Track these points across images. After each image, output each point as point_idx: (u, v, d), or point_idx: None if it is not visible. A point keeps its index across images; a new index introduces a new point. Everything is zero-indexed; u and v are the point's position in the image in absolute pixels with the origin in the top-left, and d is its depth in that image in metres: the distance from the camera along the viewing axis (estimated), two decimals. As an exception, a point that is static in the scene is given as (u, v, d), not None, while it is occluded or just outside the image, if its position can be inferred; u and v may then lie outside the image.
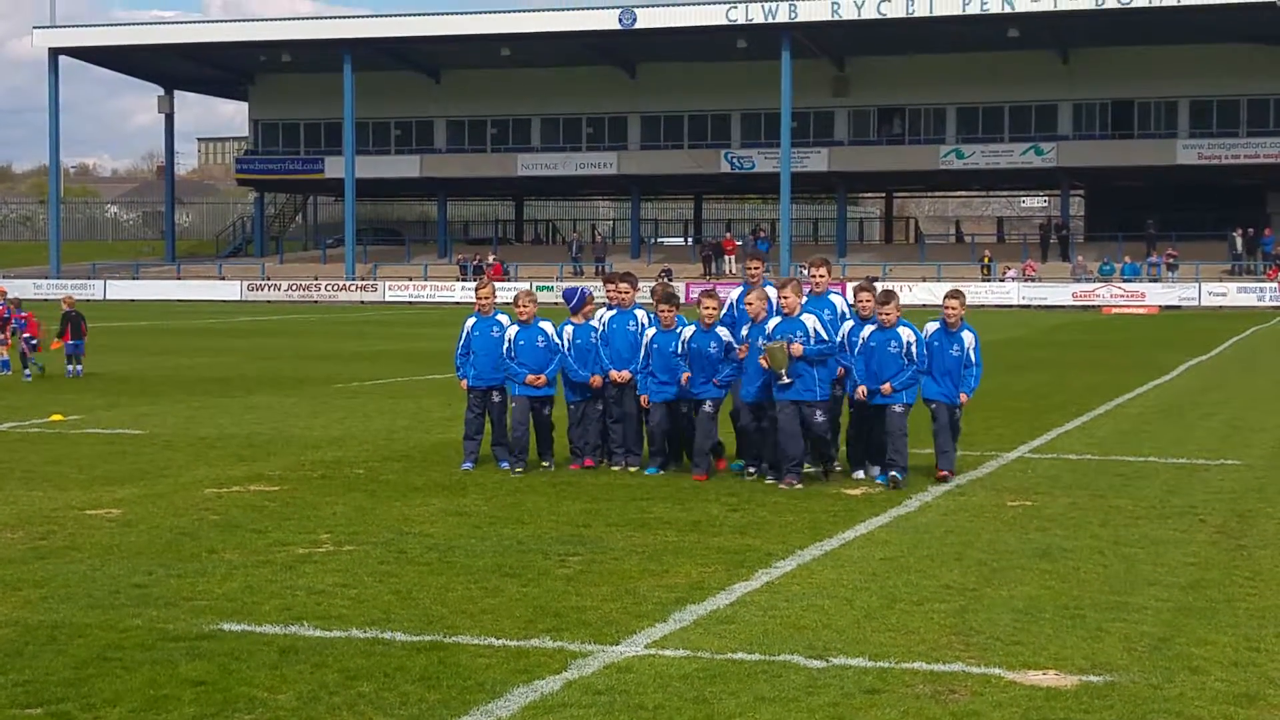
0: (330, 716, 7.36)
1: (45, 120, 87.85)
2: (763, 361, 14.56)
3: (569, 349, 16.01)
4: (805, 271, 16.44)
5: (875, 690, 7.82)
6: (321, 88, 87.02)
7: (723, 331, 15.49)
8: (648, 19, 76.77)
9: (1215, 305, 68.69)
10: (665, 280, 65.79)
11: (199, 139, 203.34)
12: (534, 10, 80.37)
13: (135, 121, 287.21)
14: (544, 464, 15.98)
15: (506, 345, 15.81)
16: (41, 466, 16.25)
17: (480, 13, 79.83)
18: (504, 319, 16.17)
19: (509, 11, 79.44)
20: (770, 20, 74.82)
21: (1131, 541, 11.97)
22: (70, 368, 28.35)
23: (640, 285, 17.22)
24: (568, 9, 79.44)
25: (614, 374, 15.88)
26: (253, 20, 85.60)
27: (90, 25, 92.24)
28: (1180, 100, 79.31)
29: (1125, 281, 72.05)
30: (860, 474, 15.35)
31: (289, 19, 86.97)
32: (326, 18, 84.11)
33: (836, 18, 74.37)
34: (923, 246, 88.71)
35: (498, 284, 17.24)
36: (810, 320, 14.83)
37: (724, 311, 15.85)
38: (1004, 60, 79.57)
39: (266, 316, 61.24)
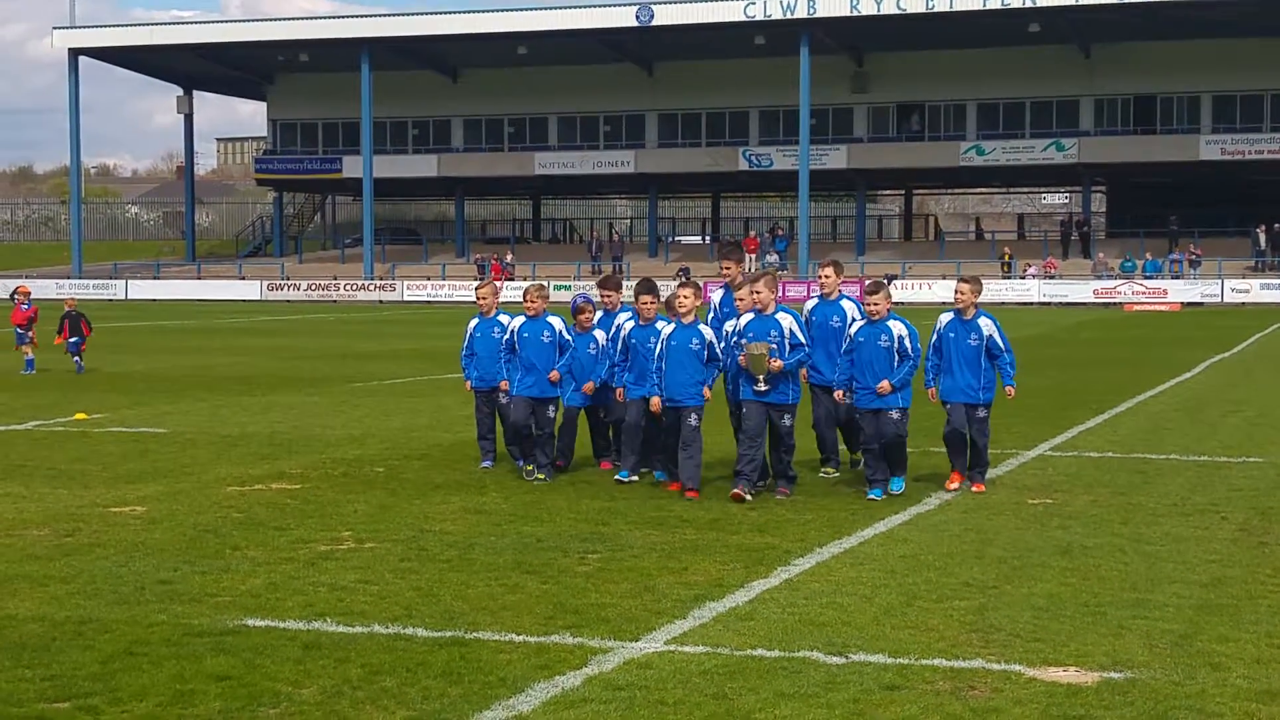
0: (354, 711, 7.41)
1: (66, 121, 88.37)
2: (742, 361, 13.86)
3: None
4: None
5: (895, 686, 7.85)
6: (339, 87, 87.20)
7: (705, 330, 14.31)
8: (665, 16, 76.76)
9: (1238, 302, 68.54)
10: (684, 277, 65.90)
11: (218, 139, 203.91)
12: (551, 8, 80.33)
13: (155, 122, 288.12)
14: (528, 467, 15.10)
15: (508, 335, 15.36)
16: (66, 464, 16.34)
17: (497, 11, 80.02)
18: (505, 319, 15.83)
19: (526, 10, 79.58)
20: (789, 16, 74.77)
21: (1153, 539, 11.97)
22: (77, 360, 29.07)
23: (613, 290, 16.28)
24: (585, 7, 79.42)
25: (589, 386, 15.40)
26: (271, 20, 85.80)
27: (110, 26, 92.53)
28: (1203, 95, 79.12)
29: (1147, 278, 71.91)
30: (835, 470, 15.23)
31: (307, 18, 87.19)
32: (344, 17, 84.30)
33: (855, 13, 74.27)
34: (942, 244, 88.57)
35: (508, 283, 16.81)
36: (786, 321, 13.91)
37: (710, 315, 15.08)
38: (1025, 55, 79.41)
39: (286, 316, 61.39)
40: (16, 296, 30.24)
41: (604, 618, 9.31)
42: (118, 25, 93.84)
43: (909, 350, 13.97)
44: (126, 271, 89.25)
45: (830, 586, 10.22)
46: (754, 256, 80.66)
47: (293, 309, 69.28)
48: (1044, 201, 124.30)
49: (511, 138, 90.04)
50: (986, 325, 14.32)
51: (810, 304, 15.30)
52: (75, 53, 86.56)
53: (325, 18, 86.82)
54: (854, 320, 14.54)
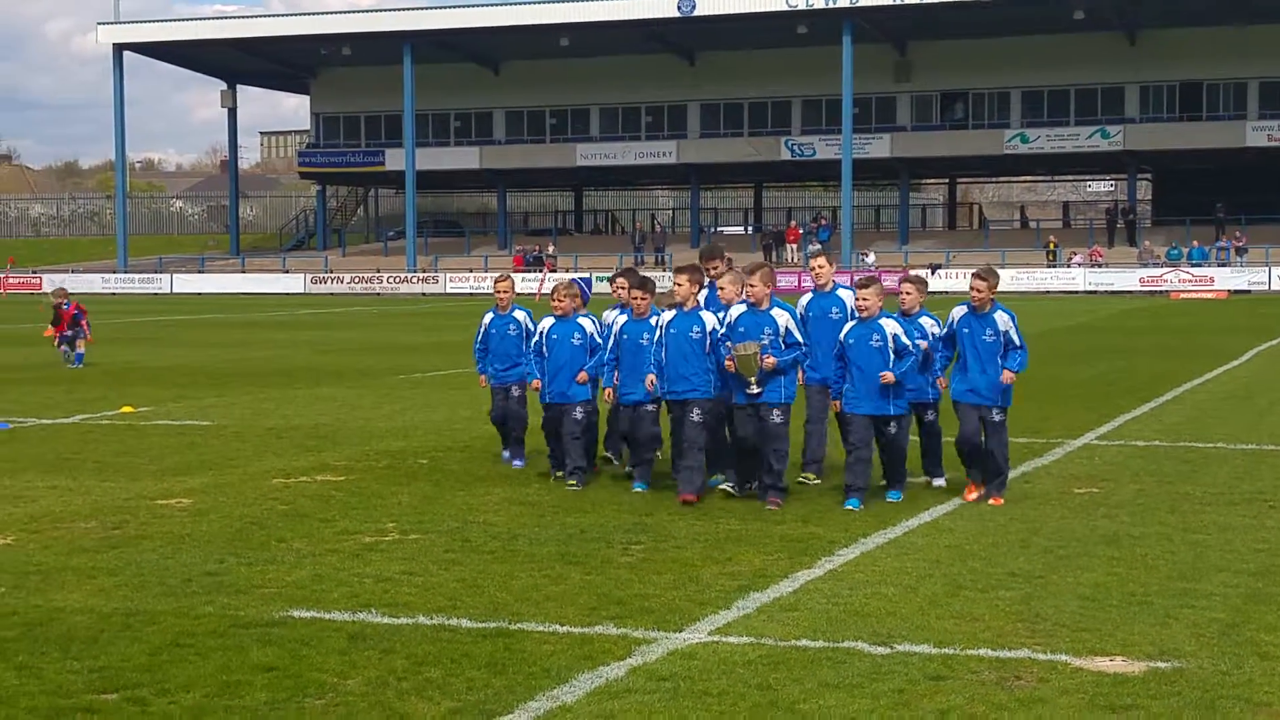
0: (399, 701, 7.44)
1: (111, 116, 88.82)
2: (729, 365, 12.89)
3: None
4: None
5: (940, 677, 7.83)
6: (382, 80, 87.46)
7: (708, 316, 13.33)
8: (707, 6, 76.63)
9: (1284, 289, 68.00)
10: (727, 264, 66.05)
11: (261, 133, 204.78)
12: (592, 0, 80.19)
13: (199, 116, 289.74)
14: (558, 474, 14.45)
15: (537, 338, 14.51)
16: (113, 458, 16.46)
17: (539, 3, 79.93)
18: (521, 315, 15.41)
19: (568, 1, 79.37)
20: (831, 5, 74.53)
21: (1200, 528, 11.90)
22: (66, 351, 29.57)
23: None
24: (626, -2, 79.44)
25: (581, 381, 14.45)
26: (313, 14, 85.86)
27: (153, 21, 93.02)
28: (1250, 81, 78.48)
29: (1193, 266, 71.43)
30: (940, 481, 13.98)
31: (349, 12, 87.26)
32: (386, 10, 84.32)
33: (898, 1, 73.99)
34: (987, 232, 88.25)
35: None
36: (783, 318, 13.02)
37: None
38: (1069, 42, 78.96)
39: (330, 309, 61.63)
40: (54, 299, 30.33)
41: (648, 608, 9.32)
42: (161, 20, 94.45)
43: (908, 347, 12.99)
44: (171, 265, 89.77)
45: (875, 577, 10.19)
46: (795, 246, 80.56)
47: (336, 302, 69.55)
48: (1089, 189, 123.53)
49: (553, 129, 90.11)
50: (1004, 321, 13.22)
51: (805, 299, 14.09)
52: (119, 48, 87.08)
53: (367, 11, 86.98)
54: (852, 312, 13.52)
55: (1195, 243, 74.82)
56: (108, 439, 18.17)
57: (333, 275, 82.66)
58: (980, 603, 9.43)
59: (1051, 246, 76.27)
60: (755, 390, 12.81)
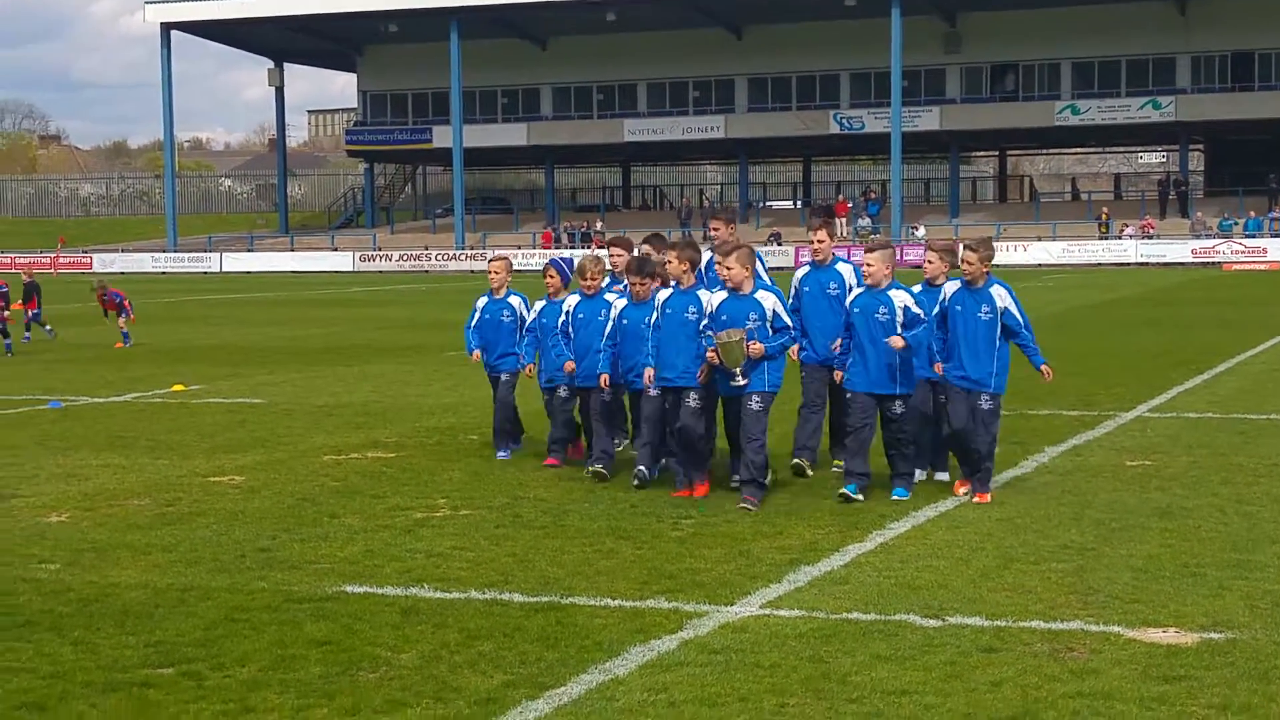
0: (451, 675, 7.47)
1: (159, 95, 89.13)
2: (711, 357, 11.81)
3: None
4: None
5: (993, 649, 7.81)
6: (429, 57, 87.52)
7: (705, 296, 12.27)
8: (755, -20, 76.33)
9: (1339, 260, 67.33)
10: (775, 242, 65.49)
11: (309, 111, 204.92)
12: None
13: (247, 95, 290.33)
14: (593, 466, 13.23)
15: (563, 318, 13.50)
16: (166, 435, 16.58)
17: (586, -22, 79.87)
18: (516, 300, 14.58)
19: (615, -24, 79.28)
20: (879, -24, 74.13)
21: (1253, 500, 11.82)
22: (27, 335, 29.75)
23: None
24: (674, -28, 79.20)
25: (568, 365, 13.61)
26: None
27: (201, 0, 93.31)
28: (1304, 50, 77.67)
29: (1246, 237, 70.78)
30: (942, 475, 12.88)
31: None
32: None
33: (947, -27, 73.54)
34: (1038, 205, 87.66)
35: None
36: (769, 301, 11.92)
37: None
38: (1119, 12, 78.29)
39: (378, 286, 61.83)
40: (98, 289, 30.55)
41: (699, 582, 9.33)
42: None
43: (919, 317, 12.07)
44: (220, 244, 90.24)
45: (926, 550, 10.17)
46: (845, 221, 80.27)
47: (385, 279, 69.78)
48: (1140, 161, 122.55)
49: (601, 105, 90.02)
50: (1000, 296, 12.00)
51: (801, 272, 13.16)
52: (167, 27, 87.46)
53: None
54: (853, 288, 12.62)
55: (1250, 213, 74.11)
56: (160, 417, 18.30)
57: (381, 253, 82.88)
58: (1032, 575, 9.40)
59: (1103, 219, 75.73)
60: (740, 381, 11.78)
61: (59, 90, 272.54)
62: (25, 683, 7.42)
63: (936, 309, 12.18)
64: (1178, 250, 70.32)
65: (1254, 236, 71.04)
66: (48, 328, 30.03)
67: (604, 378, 13.09)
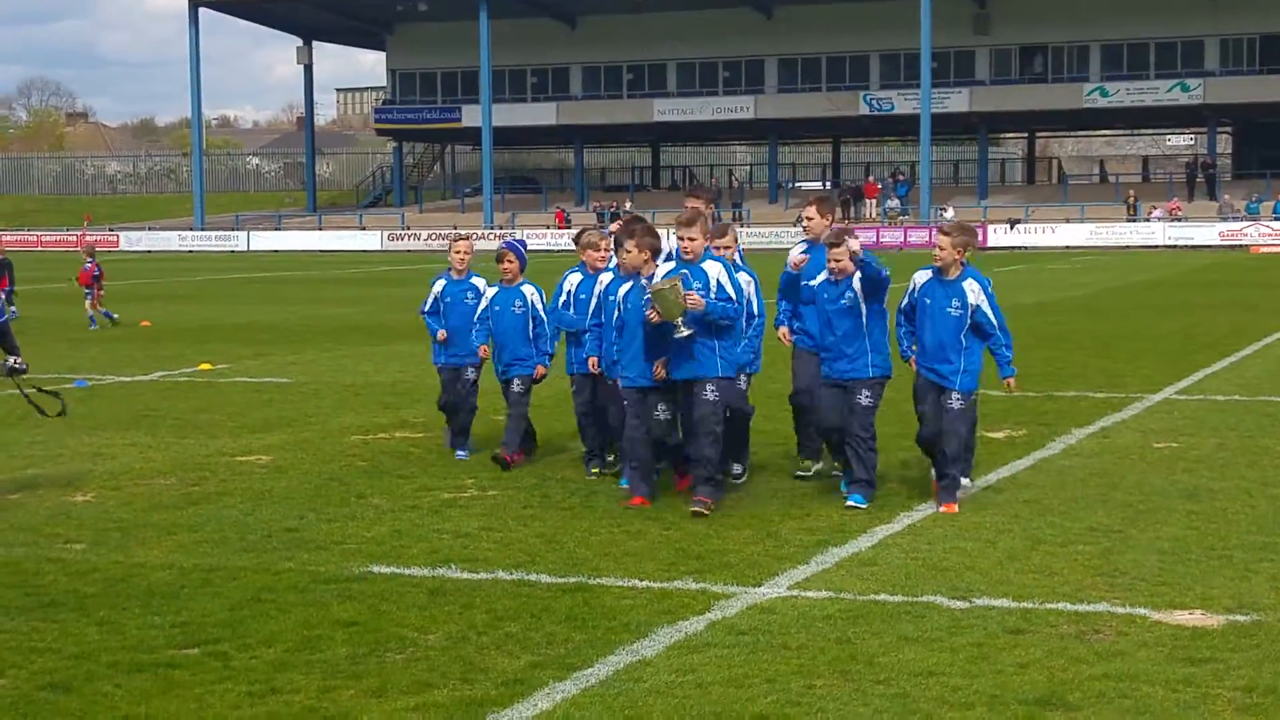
0: (478, 656, 7.48)
1: (187, 73, 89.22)
2: (651, 315, 10.87)
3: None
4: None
5: (1019, 630, 7.79)
6: (458, 36, 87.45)
7: (712, 268, 11.09)
8: (783, -40, 76.05)
9: (1369, 243, 66.91)
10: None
11: (338, 89, 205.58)
12: (669, -46, 79.84)
13: (275, 73, 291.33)
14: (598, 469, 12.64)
15: (594, 303, 12.19)
16: (192, 414, 16.62)
17: (615, -43, 79.66)
18: (480, 282, 13.54)
19: (644, -44, 79.09)
20: (909, -43, 73.81)
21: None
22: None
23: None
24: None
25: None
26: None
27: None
28: (1333, 33, 77.14)
29: (1274, 220, 70.36)
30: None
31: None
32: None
33: (976, -47, 73.17)
34: (1066, 187, 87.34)
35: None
36: (714, 269, 10.99)
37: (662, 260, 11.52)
38: (1149, -5, 77.87)
39: (407, 266, 61.89)
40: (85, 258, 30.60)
41: (726, 563, 9.33)
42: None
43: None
44: (248, 223, 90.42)
45: (953, 531, 10.15)
46: (874, 202, 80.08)
47: (413, 259, 69.83)
48: (1169, 143, 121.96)
49: (630, 85, 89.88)
50: (973, 291, 10.94)
51: (797, 250, 12.16)
52: (195, 4, 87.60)
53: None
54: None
55: (1278, 196, 73.63)
56: (186, 396, 18.35)
57: (409, 232, 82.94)
58: (1059, 557, 9.38)
59: (1131, 201, 75.38)
60: (684, 333, 10.75)
61: (86, 67, 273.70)
62: (51, 663, 7.45)
63: (905, 300, 11.29)
64: (1205, 233, 70.01)
65: (1282, 219, 70.65)
66: (13, 308, 30.19)
67: (592, 361, 12.18)
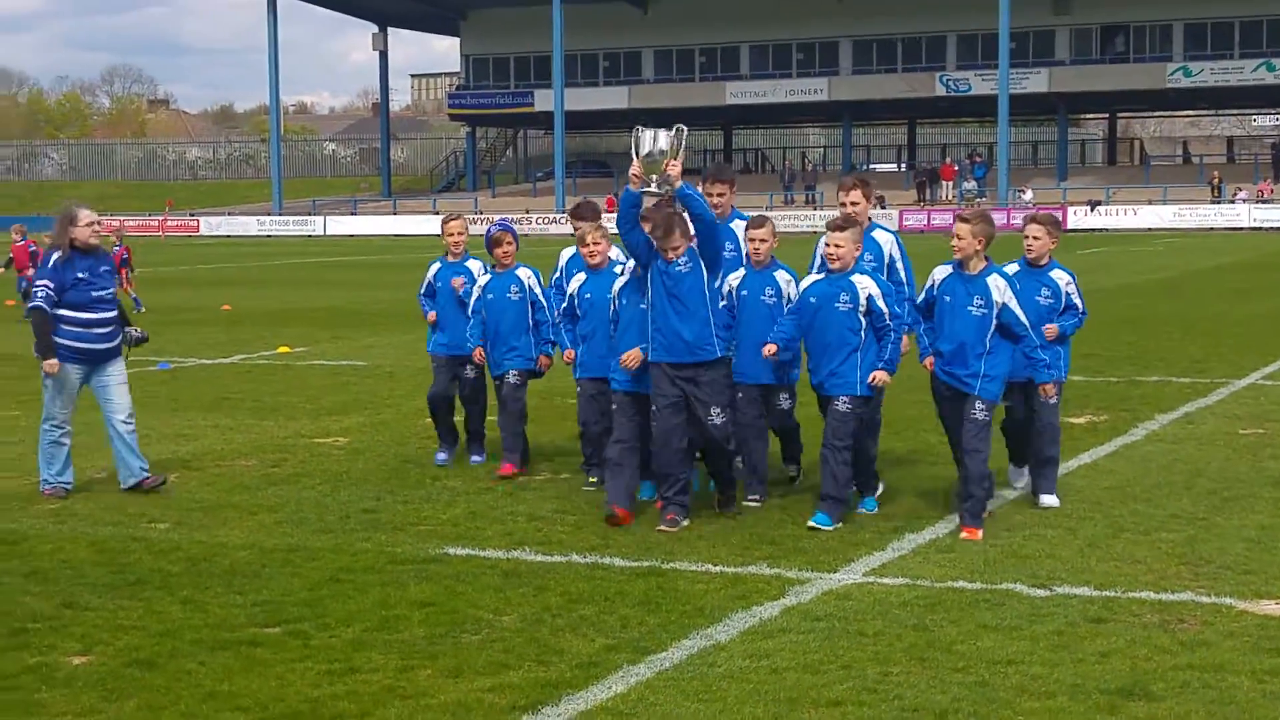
0: (553, 638, 7.47)
1: (265, 60, 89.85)
2: (635, 166, 9.83)
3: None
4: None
5: (1101, 619, 7.69)
6: (531, 21, 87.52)
7: (782, 275, 10.51)
8: (859, -60, 75.54)
9: None
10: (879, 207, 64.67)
11: (412, 75, 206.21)
12: (744, -64, 79.49)
13: (351, 59, 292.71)
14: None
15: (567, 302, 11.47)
16: (271, 397, 16.74)
17: (689, -60, 79.39)
18: (475, 265, 12.59)
19: (719, -62, 78.77)
20: (987, -64, 73.15)
21: (1370, 469, 11.58)
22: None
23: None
24: (778, -66, 78.53)
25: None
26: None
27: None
28: None
29: (1361, 201, 69.29)
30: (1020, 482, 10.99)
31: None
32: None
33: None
34: (1148, 168, 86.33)
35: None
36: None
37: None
38: (1233, -28, 76.82)
39: (480, 250, 61.92)
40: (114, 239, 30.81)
41: (801, 549, 9.27)
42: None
43: (882, 312, 9.89)
44: (324, 208, 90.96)
45: (1034, 519, 10.04)
46: (950, 184, 79.51)
47: (488, 242, 69.87)
48: (1254, 124, 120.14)
49: (703, 68, 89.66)
50: (998, 288, 9.77)
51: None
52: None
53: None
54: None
55: (1365, 177, 72.63)
56: (265, 378, 18.48)
57: (482, 216, 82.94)
58: (1142, 545, 9.26)
59: (1215, 183, 74.41)
60: (654, 192, 9.82)
61: (166, 55, 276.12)
62: (136, 640, 7.52)
63: (922, 297, 10.18)
64: (1292, 215, 69.04)
65: (1370, 201, 69.55)
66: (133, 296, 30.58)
67: (568, 354, 11.43)
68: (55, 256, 11.24)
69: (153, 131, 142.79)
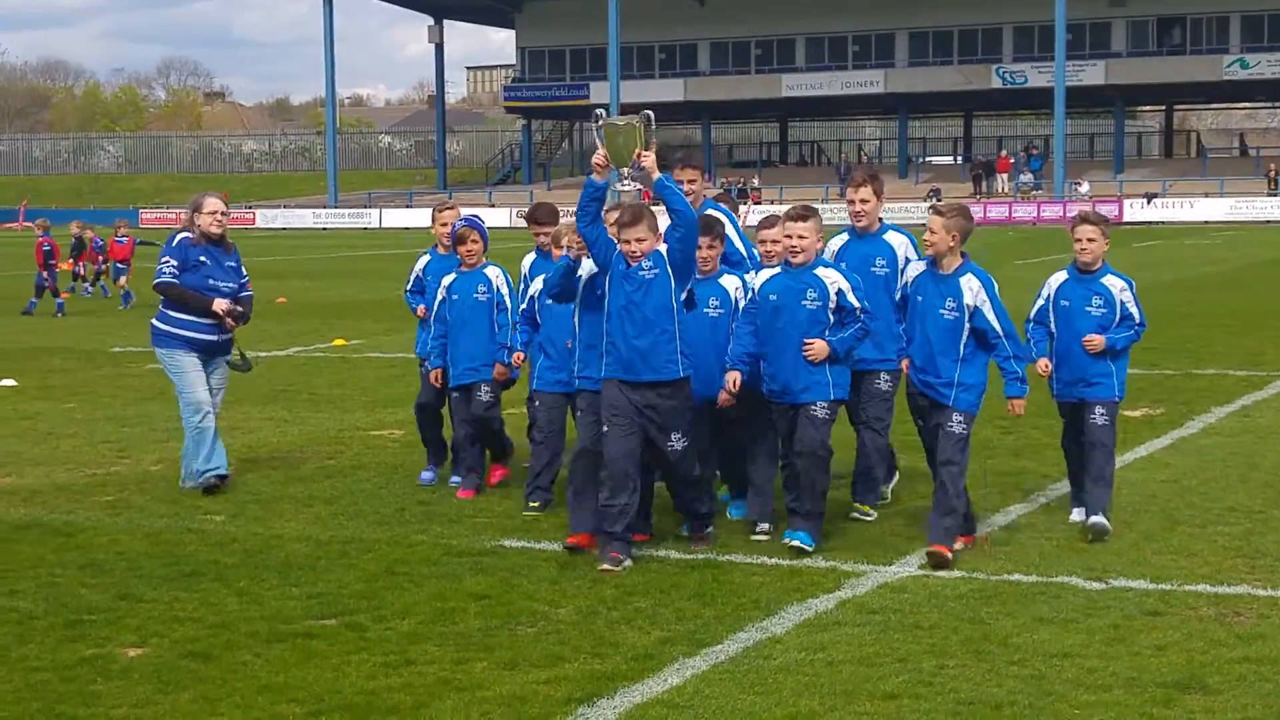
0: (609, 630, 7.50)
1: (321, 53, 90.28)
2: (599, 156, 9.12)
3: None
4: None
5: (1157, 612, 7.66)
6: (587, 13, 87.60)
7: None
8: (915, -68, 75.26)
9: None
10: (935, 199, 64.73)
11: (468, 68, 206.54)
12: (799, -72, 79.26)
13: (407, 52, 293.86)
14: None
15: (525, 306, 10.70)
16: (327, 389, 16.84)
17: (744, -67, 79.26)
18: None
19: (773, -70, 78.59)
20: (1044, -72, 72.70)
21: None
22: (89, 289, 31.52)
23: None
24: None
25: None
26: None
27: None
28: None
29: None
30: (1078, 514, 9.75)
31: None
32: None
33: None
34: (1205, 161, 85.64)
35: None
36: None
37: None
38: (1292, -38, 76.09)
39: (495, 254, 62.02)
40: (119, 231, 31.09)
41: (855, 542, 9.27)
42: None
43: (854, 308, 9.00)
44: (380, 200, 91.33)
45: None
46: (1006, 177, 79.08)
47: (543, 235, 70.00)
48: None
49: (758, 60, 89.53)
50: (972, 290, 8.95)
51: (839, 242, 10.01)
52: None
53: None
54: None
55: None
56: (321, 371, 18.59)
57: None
58: (1198, 538, 9.21)
59: (1273, 175, 73.73)
60: (626, 188, 9.32)
61: (222, 47, 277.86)
62: (192, 631, 7.58)
63: (898, 294, 9.51)
64: (1351, 207, 68.34)
65: None
66: (88, 286, 31.24)
67: (518, 355, 10.87)
68: (182, 236, 11.33)
69: (208, 124, 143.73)
